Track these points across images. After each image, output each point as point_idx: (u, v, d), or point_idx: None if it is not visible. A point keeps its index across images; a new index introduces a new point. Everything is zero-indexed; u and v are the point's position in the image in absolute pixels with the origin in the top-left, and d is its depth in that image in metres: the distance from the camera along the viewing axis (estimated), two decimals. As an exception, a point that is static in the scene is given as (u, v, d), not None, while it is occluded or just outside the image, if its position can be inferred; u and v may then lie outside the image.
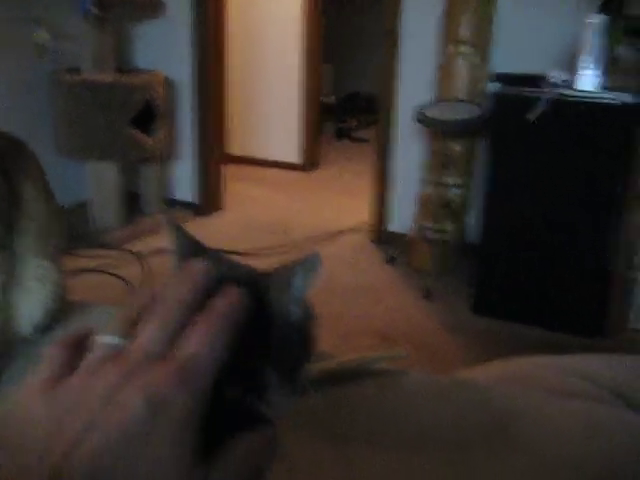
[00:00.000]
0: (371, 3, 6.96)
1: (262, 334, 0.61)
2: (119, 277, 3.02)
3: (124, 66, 3.80)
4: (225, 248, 3.38)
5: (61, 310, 1.21)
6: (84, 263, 3.09)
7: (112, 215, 3.52)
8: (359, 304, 3.01)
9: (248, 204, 4.36)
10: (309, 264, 0.60)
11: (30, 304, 1.14)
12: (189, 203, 4.06)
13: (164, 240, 0.69)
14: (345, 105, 6.88)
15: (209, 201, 4.09)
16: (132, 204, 3.77)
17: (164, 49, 3.92)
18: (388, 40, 3.43)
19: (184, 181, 4.07)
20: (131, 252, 3.29)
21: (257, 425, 0.57)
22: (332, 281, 3.17)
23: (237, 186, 4.58)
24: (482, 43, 3.05)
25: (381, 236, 3.70)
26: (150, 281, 3.01)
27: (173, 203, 4.04)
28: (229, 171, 4.40)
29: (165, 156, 3.86)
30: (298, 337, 0.63)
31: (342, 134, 6.46)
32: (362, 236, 3.81)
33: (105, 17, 3.40)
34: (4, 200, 1.05)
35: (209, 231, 3.78)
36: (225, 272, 0.67)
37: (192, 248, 0.70)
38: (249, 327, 0.60)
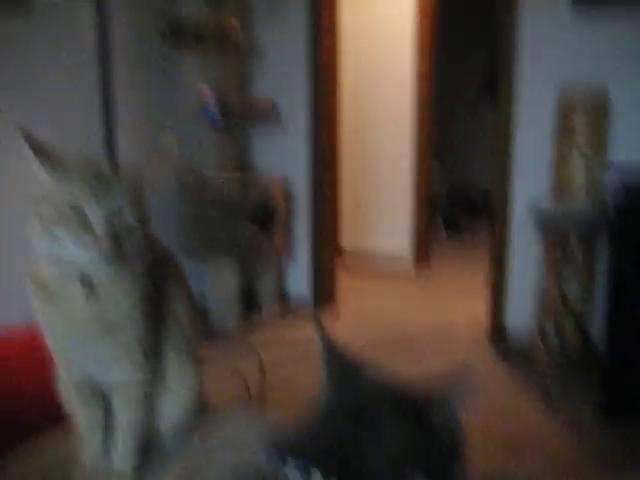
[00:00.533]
0: (476, 99, 7.10)
1: (422, 447, 0.63)
2: (237, 370, 3.08)
3: (244, 169, 4.01)
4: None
5: (198, 410, 1.26)
6: (204, 356, 3.18)
7: (230, 310, 3.63)
8: (480, 409, 2.91)
9: (360, 298, 4.39)
10: (467, 384, 0.64)
11: (172, 406, 1.19)
12: (304, 297, 4.14)
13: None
14: (454, 199, 6.91)
15: (323, 295, 4.15)
16: (249, 299, 3.89)
17: (281, 152, 4.11)
18: (502, 133, 3.44)
19: (299, 275, 4.17)
20: (249, 345, 3.36)
21: None
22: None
23: (349, 279, 4.63)
24: (598, 134, 3.01)
25: (497, 333, 3.61)
26: (267, 375, 3.05)
27: (288, 297, 4.13)
28: (341, 265, 4.47)
29: (281, 253, 4.00)
30: (451, 445, 0.66)
31: (451, 228, 6.46)
32: (477, 333, 3.74)
33: (229, 125, 3.62)
34: (154, 308, 1.12)
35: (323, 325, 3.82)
36: (383, 392, 0.70)
37: (342, 363, 0.73)
38: (410, 443, 0.62)
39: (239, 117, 3.85)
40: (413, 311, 4.09)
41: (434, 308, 4.18)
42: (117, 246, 0.96)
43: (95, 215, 0.94)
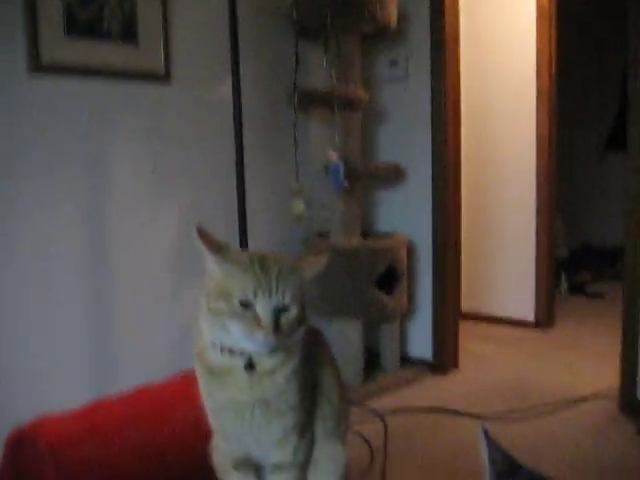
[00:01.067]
0: (600, 153, 6.91)
1: None
2: (361, 436, 3.09)
3: (369, 230, 4.10)
4: (461, 409, 3.36)
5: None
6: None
7: (354, 371, 3.67)
8: (609, 482, 2.78)
9: (483, 363, 4.32)
10: None
11: (321, 482, 1.23)
12: (425, 361, 4.13)
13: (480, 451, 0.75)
14: (578, 258, 6.70)
15: (445, 359, 4.12)
16: (371, 361, 3.92)
17: (405, 213, 4.17)
18: (632, 182, 3.33)
19: (421, 339, 4.17)
20: (373, 410, 3.37)
21: None
22: (575, 456, 2.99)
23: (470, 344, 4.57)
24: None
25: (631, 404, 3.44)
26: (390, 441, 3.05)
27: (410, 361, 4.13)
28: (461, 328, 4.42)
29: (404, 314, 4.02)
30: None
31: (576, 289, 6.25)
32: (608, 403, 3.57)
33: (354, 188, 3.72)
34: (310, 387, 1.18)
35: (445, 390, 3.79)
36: None
37: (507, 463, 0.75)
38: None
39: (364, 180, 3.94)
40: (537, 379, 3.97)
41: (559, 376, 4.04)
42: (281, 338, 1.04)
43: (264, 311, 1.02)
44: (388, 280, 3.72)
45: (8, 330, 2.81)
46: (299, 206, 3.60)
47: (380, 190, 4.28)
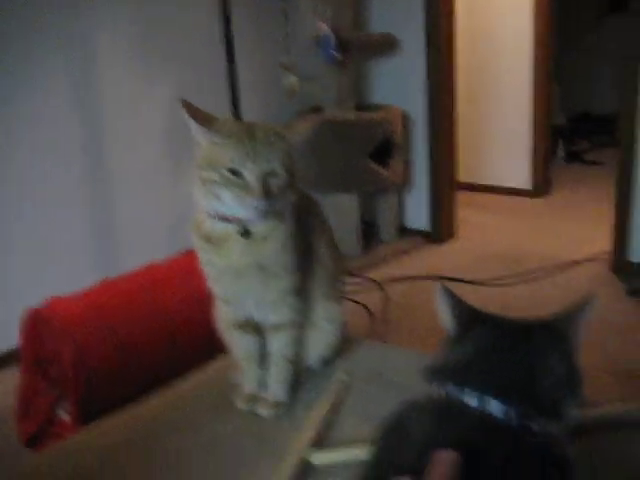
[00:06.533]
0: (600, 20, 6.70)
1: (564, 367, 0.72)
2: (361, 304, 3.20)
3: (363, 103, 4.06)
4: (458, 277, 3.46)
5: (340, 344, 1.37)
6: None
7: (351, 244, 3.75)
8: (599, 339, 2.91)
9: (479, 232, 4.39)
10: (590, 307, 0.74)
11: (320, 341, 1.31)
12: (422, 231, 4.20)
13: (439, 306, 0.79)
14: (575, 126, 6.65)
15: (442, 229, 4.19)
16: (369, 233, 4.00)
17: (399, 84, 4.11)
18: (629, 57, 3.29)
19: (418, 210, 4.22)
20: (372, 280, 3.47)
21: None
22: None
23: (467, 214, 4.63)
24: None
25: (622, 266, 3.54)
26: (389, 308, 3.16)
27: (407, 231, 4.20)
28: (458, 198, 4.47)
29: (400, 186, 4.05)
30: (577, 366, 0.75)
31: (573, 157, 6.24)
32: (600, 266, 3.68)
33: (346, 60, 3.65)
34: (304, 251, 1.22)
35: (442, 259, 3.89)
36: (520, 323, 0.78)
37: (468, 313, 0.80)
38: (558, 364, 0.71)
39: (356, 51, 3.86)
40: (533, 245, 4.06)
41: (554, 241, 4.12)
42: (271, 202, 1.07)
43: (252, 177, 1.05)
44: (384, 152, 3.72)
45: (10, 226, 2.87)
46: (291, 80, 3.55)
47: (374, 62, 4.19)
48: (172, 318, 2.09)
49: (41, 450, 2.02)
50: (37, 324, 1.99)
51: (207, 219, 1.13)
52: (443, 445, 0.64)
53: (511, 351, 0.73)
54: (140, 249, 3.23)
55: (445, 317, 0.81)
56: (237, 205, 1.06)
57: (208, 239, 1.14)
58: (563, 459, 0.69)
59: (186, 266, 2.31)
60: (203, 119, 1.08)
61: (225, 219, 1.11)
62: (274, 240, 1.13)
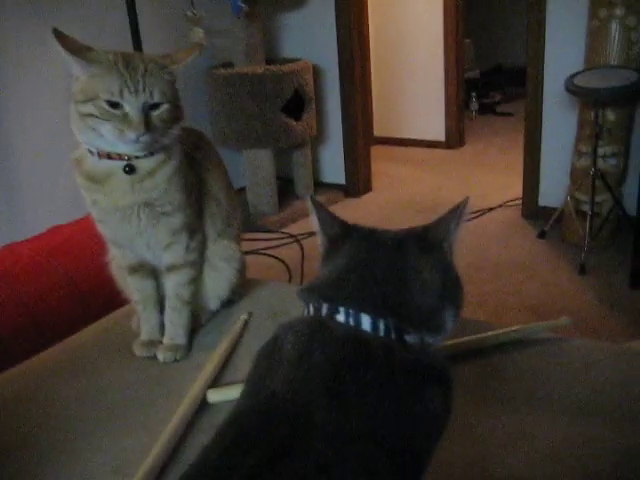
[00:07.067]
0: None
1: (440, 277, 0.71)
2: (278, 259, 3.19)
3: (273, 56, 3.99)
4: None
5: (241, 286, 1.35)
6: (245, 246, 3.29)
7: (268, 199, 3.71)
8: (511, 280, 2.99)
9: (396, 184, 4.43)
10: (462, 209, 0.71)
11: (218, 281, 1.27)
12: (339, 185, 4.20)
13: (311, 220, 0.77)
14: (488, 79, 6.74)
15: (358, 183, 4.20)
16: (285, 189, 3.96)
17: (309, 37, 4.06)
18: (534, 6, 3.34)
19: (334, 164, 4.21)
20: (289, 235, 3.46)
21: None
22: (483, 257, 3.18)
23: (384, 167, 4.65)
24: (637, 3, 2.91)
25: (532, 211, 3.64)
26: (306, 262, 3.16)
27: (324, 186, 4.19)
28: (374, 152, 4.48)
29: (314, 140, 4.02)
30: (455, 275, 0.73)
31: (486, 109, 6.35)
32: (512, 211, 3.77)
33: (253, 12, 3.57)
34: (195, 188, 1.19)
35: (360, 212, 3.90)
36: (392, 235, 0.76)
37: (337, 226, 0.78)
38: (433, 274, 0.69)
39: (265, 3, 3.78)
40: (448, 195, 4.12)
41: (469, 190, 4.19)
42: (153, 135, 1.03)
43: (132, 108, 1.00)
44: (296, 106, 3.67)
45: None
46: (198, 34, 3.44)
47: (283, 14, 4.11)
48: (81, 282, 2.02)
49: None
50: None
51: (88, 156, 1.08)
52: (314, 365, 0.62)
53: (382, 263, 0.70)
54: (43, 213, 3.10)
55: (317, 232, 0.78)
56: (117, 139, 1.01)
57: (91, 178, 1.09)
58: (443, 373, 0.67)
59: (91, 227, 2.24)
60: (78, 50, 1.02)
61: (107, 156, 1.05)
62: (161, 176, 1.09)
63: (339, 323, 0.66)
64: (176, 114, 1.07)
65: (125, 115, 1.00)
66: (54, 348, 1.29)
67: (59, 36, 1.01)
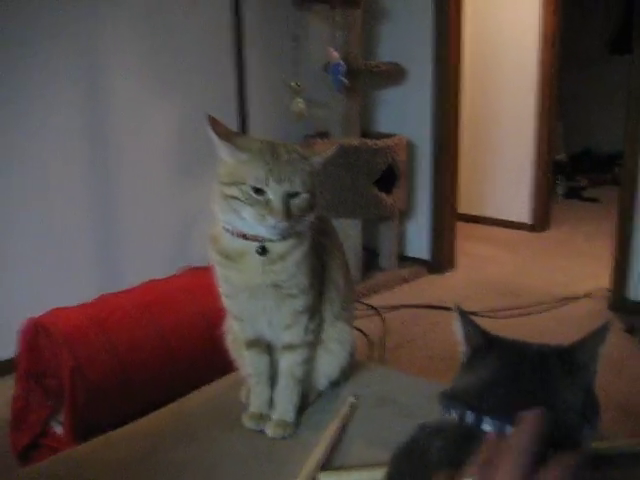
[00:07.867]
0: (604, 57, 6.77)
1: (582, 397, 0.72)
2: (359, 330, 3.19)
3: (368, 130, 4.09)
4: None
5: (350, 368, 1.37)
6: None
7: (353, 269, 3.74)
8: (598, 375, 2.90)
9: (479, 264, 4.40)
10: (605, 333, 0.73)
11: (330, 362, 1.30)
12: (423, 260, 4.20)
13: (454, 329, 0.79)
14: (576, 163, 6.69)
15: (442, 259, 4.20)
16: (369, 260, 4.00)
17: (405, 113, 4.15)
18: (634, 88, 3.33)
19: (419, 239, 4.23)
20: (371, 306, 3.47)
21: None
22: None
23: (467, 245, 4.64)
24: None
25: (620, 303, 3.55)
26: (387, 335, 3.16)
27: (408, 260, 4.21)
28: (459, 230, 4.48)
29: (403, 214, 4.07)
30: (594, 395, 0.74)
31: (572, 193, 6.28)
32: (598, 302, 3.68)
33: (354, 87, 3.69)
34: (319, 273, 1.23)
35: (441, 289, 3.89)
36: (537, 349, 0.78)
37: (482, 337, 0.80)
38: (576, 394, 0.70)
39: (364, 79, 3.90)
40: (531, 279, 4.07)
41: (553, 276, 4.13)
42: (291, 223, 1.08)
43: (275, 196, 1.05)
44: (388, 180, 3.74)
45: (11, 236, 2.85)
46: (299, 104, 3.57)
47: (380, 90, 4.23)
48: (172, 337, 2.09)
49: (32, 463, 2.00)
50: (37, 334, 1.98)
51: (225, 235, 1.14)
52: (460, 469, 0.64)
53: (527, 378, 0.73)
54: (141, 265, 3.22)
55: (460, 340, 0.81)
56: (257, 223, 1.07)
57: (226, 255, 1.14)
58: None
59: (186, 284, 2.32)
60: (227, 135, 1.09)
61: (243, 236, 1.11)
62: (290, 260, 1.13)
63: (485, 433, 0.68)
64: (312, 203, 1.12)
65: (268, 201, 1.05)
66: (162, 411, 1.33)
67: (212, 121, 1.09)
